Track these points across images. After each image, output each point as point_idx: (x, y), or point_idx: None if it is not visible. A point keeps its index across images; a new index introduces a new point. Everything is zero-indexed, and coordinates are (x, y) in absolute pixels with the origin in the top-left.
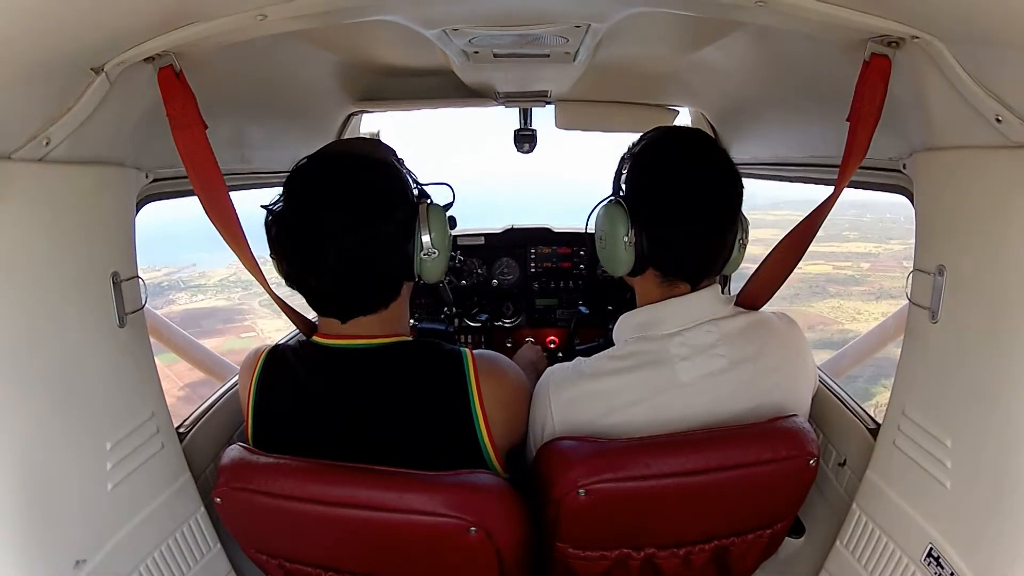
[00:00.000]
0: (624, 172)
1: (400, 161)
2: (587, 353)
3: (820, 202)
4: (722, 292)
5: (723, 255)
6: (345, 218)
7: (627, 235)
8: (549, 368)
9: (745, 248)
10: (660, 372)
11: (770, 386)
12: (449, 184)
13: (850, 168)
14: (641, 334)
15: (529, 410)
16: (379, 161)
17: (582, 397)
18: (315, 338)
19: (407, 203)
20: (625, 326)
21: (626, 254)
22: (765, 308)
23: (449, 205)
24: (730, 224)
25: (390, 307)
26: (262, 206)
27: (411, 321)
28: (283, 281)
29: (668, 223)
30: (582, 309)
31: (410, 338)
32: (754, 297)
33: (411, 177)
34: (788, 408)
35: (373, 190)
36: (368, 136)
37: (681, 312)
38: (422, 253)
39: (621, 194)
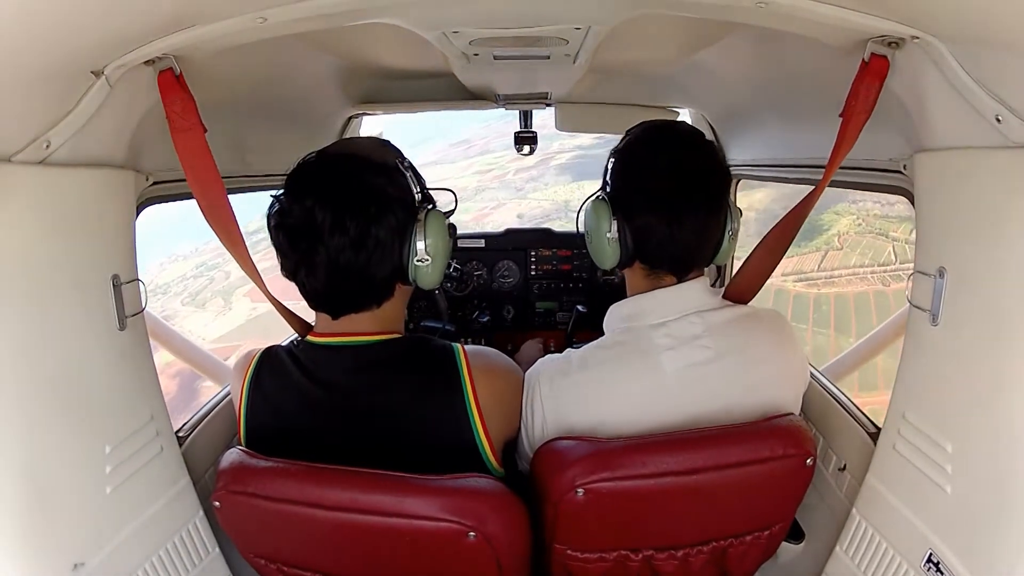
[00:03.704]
0: (609, 168)
1: (407, 165)
2: None
3: (804, 196)
4: (715, 284)
5: (708, 247)
6: (335, 218)
7: (610, 229)
8: (539, 360)
9: (736, 238)
10: (645, 362)
11: (757, 379)
12: (452, 191)
13: (836, 162)
14: (627, 324)
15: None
16: (378, 163)
17: (571, 387)
18: (308, 337)
19: (403, 207)
20: (613, 317)
21: (610, 248)
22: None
23: (450, 212)
24: (713, 215)
25: (383, 306)
26: (271, 195)
27: (411, 324)
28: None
29: (647, 215)
30: (580, 308)
31: (402, 335)
32: (741, 291)
33: (416, 182)
34: (777, 402)
35: (367, 192)
36: (374, 138)
37: (666, 303)
38: (416, 259)
39: (607, 190)
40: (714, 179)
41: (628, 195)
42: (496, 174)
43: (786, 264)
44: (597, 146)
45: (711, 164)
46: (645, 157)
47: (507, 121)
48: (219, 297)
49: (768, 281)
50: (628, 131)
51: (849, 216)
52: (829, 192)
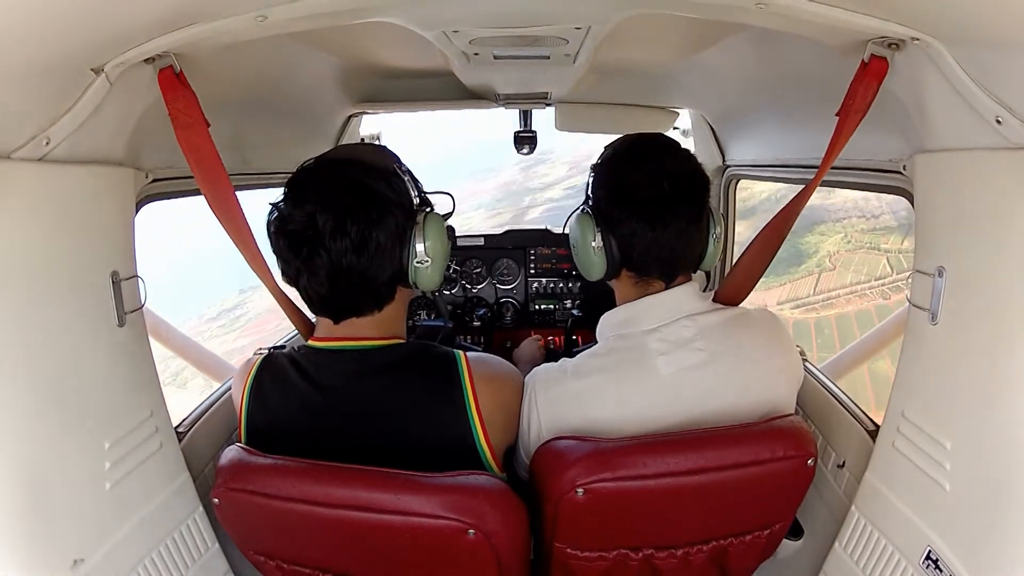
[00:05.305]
0: (590, 182)
1: (405, 170)
2: None
3: (794, 195)
4: (705, 290)
5: (693, 251)
6: (337, 222)
7: (595, 241)
8: (535, 368)
9: (720, 243)
10: (640, 367)
11: (751, 379)
12: (450, 194)
13: (830, 160)
14: (620, 331)
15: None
16: (378, 168)
17: (566, 395)
18: (310, 341)
19: (403, 211)
20: (606, 324)
21: (597, 259)
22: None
23: (448, 215)
24: (695, 219)
25: (384, 310)
26: (270, 203)
27: (409, 321)
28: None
29: (630, 222)
30: (575, 312)
31: (403, 341)
32: (732, 293)
33: (414, 185)
34: (772, 400)
35: (368, 196)
36: (370, 139)
37: (657, 308)
38: (416, 261)
39: (590, 203)
40: (693, 183)
41: (610, 205)
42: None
43: (780, 292)
44: (568, 196)
45: (689, 168)
46: (624, 166)
47: (477, 179)
48: (200, 377)
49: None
50: (607, 146)
51: (836, 235)
52: (808, 213)
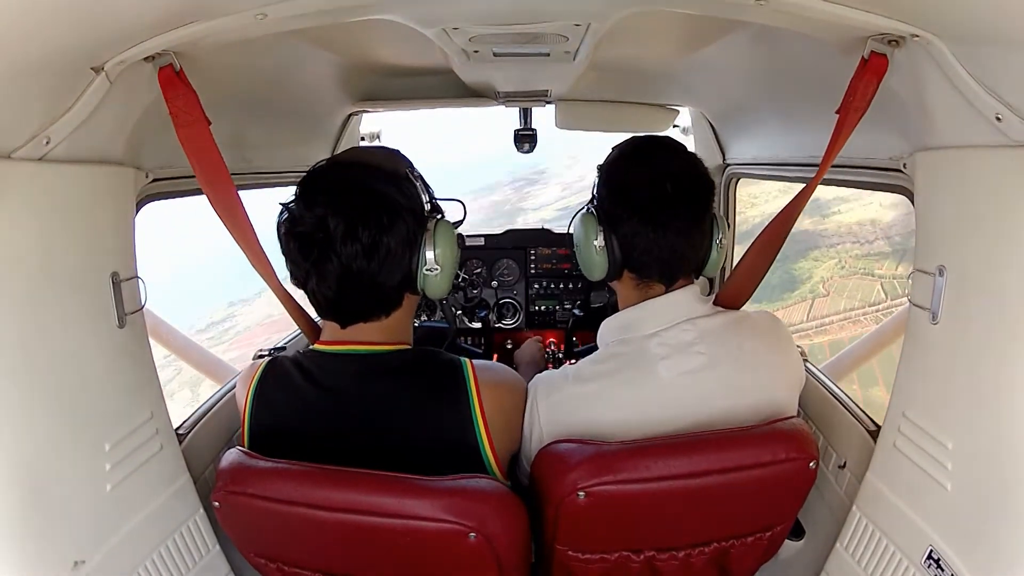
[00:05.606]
0: (596, 182)
1: (417, 175)
2: (585, 355)
3: (794, 196)
4: (708, 293)
5: (695, 255)
6: (348, 227)
7: (597, 240)
8: (537, 375)
9: (724, 249)
10: (641, 372)
11: (752, 382)
12: (461, 201)
13: (830, 159)
14: (621, 336)
15: None
16: (391, 173)
17: (568, 401)
18: (315, 345)
19: (414, 217)
20: (607, 330)
21: (599, 258)
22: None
23: (459, 222)
24: (697, 221)
25: (391, 316)
26: (280, 203)
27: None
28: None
29: (632, 222)
30: (576, 312)
31: (410, 346)
32: (733, 297)
33: (425, 191)
34: (774, 404)
35: (380, 202)
36: (370, 137)
37: (658, 313)
38: (425, 268)
39: (594, 203)
40: (696, 184)
41: (612, 204)
42: None
43: None
44: (561, 216)
45: (693, 171)
46: (628, 167)
47: (474, 197)
48: (187, 388)
49: None
50: (614, 147)
51: (830, 260)
52: (801, 238)
